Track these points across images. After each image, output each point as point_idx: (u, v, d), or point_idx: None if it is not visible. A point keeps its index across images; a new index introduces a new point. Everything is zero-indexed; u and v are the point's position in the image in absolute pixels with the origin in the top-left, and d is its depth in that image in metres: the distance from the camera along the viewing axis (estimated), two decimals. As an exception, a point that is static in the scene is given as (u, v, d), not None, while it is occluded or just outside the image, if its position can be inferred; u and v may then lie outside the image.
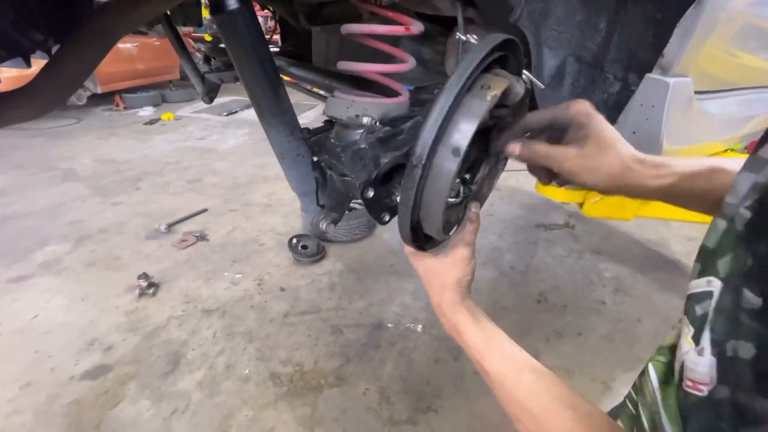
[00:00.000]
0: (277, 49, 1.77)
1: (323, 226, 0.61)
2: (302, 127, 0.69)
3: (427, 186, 0.48)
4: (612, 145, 0.49)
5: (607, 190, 0.51)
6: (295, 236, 2.62)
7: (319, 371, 1.78)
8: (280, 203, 3.33)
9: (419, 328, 2.05)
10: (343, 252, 2.66)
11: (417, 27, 0.57)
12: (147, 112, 6.58)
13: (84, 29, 0.71)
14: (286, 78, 1.47)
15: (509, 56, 0.52)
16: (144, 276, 2.23)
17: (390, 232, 2.81)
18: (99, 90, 6.33)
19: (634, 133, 0.62)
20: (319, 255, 2.53)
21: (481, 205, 0.60)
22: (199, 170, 4.07)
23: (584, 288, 2.44)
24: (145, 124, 5.91)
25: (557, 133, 0.54)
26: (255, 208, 3.26)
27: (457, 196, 0.55)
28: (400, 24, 0.58)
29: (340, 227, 2.65)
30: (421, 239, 0.58)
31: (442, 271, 0.58)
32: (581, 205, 1.00)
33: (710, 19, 0.55)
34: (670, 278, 2.56)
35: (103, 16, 0.67)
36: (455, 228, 0.59)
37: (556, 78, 0.67)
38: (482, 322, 0.56)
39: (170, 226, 2.89)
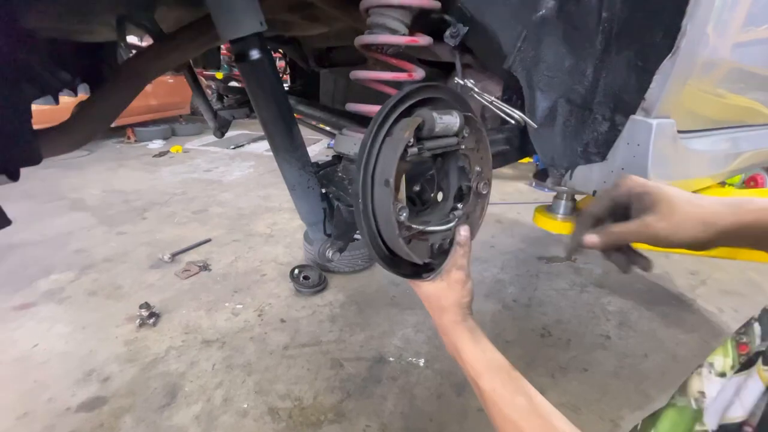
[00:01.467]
0: (287, 88, 1.87)
1: (329, 254, 0.64)
2: (312, 162, 0.74)
3: (377, 216, 0.55)
4: (681, 197, 0.49)
5: (708, 242, 0.49)
6: (296, 267, 2.63)
7: (318, 406, 1.74)
8: (282, 234, 3.36)
9: (421, 362, 2.01)
10: (344, 283, 2.66)
11: (419, 73, 0.62)
12: (157, 144, 6.78)
13: (118, 75, 0.77)
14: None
15: (439, 98, 0.60)
16: (145, 305, 2.23)
17: (392, 264, 2.81)
18: (112, 123, 6.55)
19: (623, 169, 0.66)
20: (320, 286, 2.53)
21: (474, 230, 0.64)
22: (204, 201, 4.14)
23: (588, 322, 2.42)
24: (155, 156, 6.07)
25: (621, 213, 0.54)
26: (258, 239, 3.29)
27: (448, 221, 0.60)
28: (404, 70, 0.63)
29: (343, 257, 2.67)
30: (411, 268, 0.62)
31: (441, 296, 0.61)
32: None
33: (686, 67, 0.60)
34: (675, 313, 2.53)
35: (136, 64, 0.73)
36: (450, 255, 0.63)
37: (549, 118, 0.72)
38: (482, 343, 0.57)
39: (174, 255, 2.91)
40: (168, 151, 6.29)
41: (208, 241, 3.21)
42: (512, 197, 4.34)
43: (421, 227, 0.59)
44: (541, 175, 0.82)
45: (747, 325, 0.46)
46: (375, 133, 0.53)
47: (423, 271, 0.63)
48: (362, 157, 0.52)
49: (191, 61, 1.23)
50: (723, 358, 0.43)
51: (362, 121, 0.64)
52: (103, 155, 6.14)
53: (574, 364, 2.06)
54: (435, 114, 0.55)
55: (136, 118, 7.03)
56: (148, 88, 7.18)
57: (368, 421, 1.68)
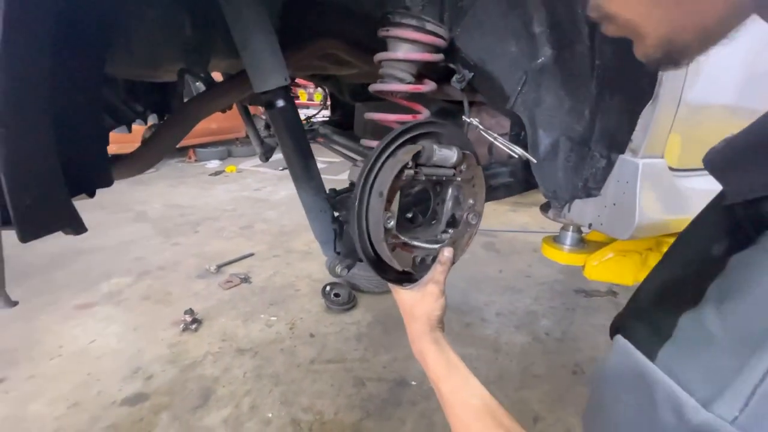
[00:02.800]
0: (327, 119, 2.03)
1: (338, 270, 0.72)
2: (330, 188, 0.84)
3: (369, 220, 0.63)
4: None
5: None
6: (328, 284, 2.74)
7: (338, 423, 1.79)
8: (318, 251, 3.45)
9: (443, 388, 2.00)
10: (373, 303, 2.72)
11: (424, 115, 0.70)
12: (214, 164, 7.36)
13: (180, 111, 0.93)
14: (331, 144, 1.68)
15: (438, 131, 0.68)
16: (189, 312, 2.42)
17: (421, 288, 2.84)
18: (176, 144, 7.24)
19: (614, 204, 0.68)
20: (350, 304, 2.61)
21: (458, 255, 0.70)
22: (251, 218, 4.42)
23: (627, 363, 2.27)
24: (211, 175, 6.60)
25: None
26: (296, 255, 3.46)
27: (437, 241, 0.67)
28: (414, 111, 0.73)
29: (372, 278, 2.74)
30: (394, 274, 0.69)
31: (414, 304, 0.67)
32: (583, 268, 1.03)
33: (668, 112, 0.63)
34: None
35: (194, 103, 0.88)
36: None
37: (551, 153, 0.76)
38: (446, 352, 0.62)
39: (219, 267, 3.13)
40: (223, 171, 6.81)
41: (251, 255, 3.42)
42: (551, 226, 4.22)
43: (406, 239, 0.66)
44: (545, 207, 0.86)
45: None
46: (379, 153, 0.62)
47: (404, 281, 0.70)
48: (364, 170, 0.61)
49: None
50: None
51: None
52: (167, 173, 6.76)
53: (608, 406, 1.94)
54: (435, 146, 0.64)
55: (197, 140, 7.69)
56: (210, 113, 7.76)
57: (385, 443, 1.70)
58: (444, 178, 0.67)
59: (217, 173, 6.67)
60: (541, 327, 2.58)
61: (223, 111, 1.27)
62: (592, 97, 0.70)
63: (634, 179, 0.65)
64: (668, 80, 0.60)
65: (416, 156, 0.62)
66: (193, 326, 2.39)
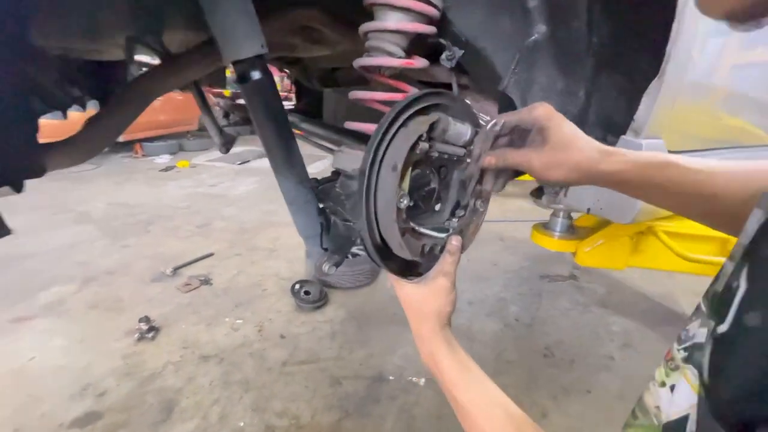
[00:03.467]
0: (292, 106, 1.92)
1: (326, 267, 0.65)
2: (311, 177, 0.76)
3: (378, 199, 0.56)
4: (572, 141, 0.53)
5: (571, 183, 0.55)
6: (298, 282, 2.63)
7: (315, 425, 1.71)
8: (285, 248, 3.37)
9: (422, 381, 1.98)
10: (345, 299, 2.65)
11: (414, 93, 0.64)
12: (164, 159, 6.89)
13: (126, 92, 0.80)
14: (298, 132, 1.58)
15: (447, 105, 0.61)
16: (145, 319, 2.23)
17: (393, 281, 2.80)
18: (120, 138, 6.69)
19: None
20: (321, 301, 2.52)
21: (466, 244, 0.65)
22: (208, 215, 4.17)
23: (591, 342, 2.38)
24: (161, 170, 6.16)
25: (521, 135, 0.58)
26: (260, 253, 3.30)
27: (443, 230, 0.61)
28: (401, 91, 0.66)
29: (345, 273, 2.66)
30: (402, 267, 0.62)
31: (422, 300, 0.60)
32: (574, 254, 1.03)
33: (673, 90, 0.62)
34: (677, 333, 2.49)
35: (143, 83, 0.76)
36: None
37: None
38: (459, 354, 0.57)
39: (176, 269, 2.92)
40: (174, 166, 6.38)
41: (210, 255, 3.22)
42: (515, 214, 4.33)
43: (414, 225, 0.60)
44: (537, 193, 0.84)
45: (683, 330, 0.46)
46: (392, 121, 0.54)
47: (408, 274, 0.63)
48: (375, 140, 0.53)
49: (198, 80, 1.27)
50: (659, 368, 0.43)
51: (361, 138, 0.66)
52: (111, 169, 6.23)
53: (577, 385, 2.02)
54: (450, 119, 0.58)
55: (144, 133, 7.16)
56: (156, 103, 7.35)
57: (366, 442, 1.65)
58: (454, 158, 0.61)
59: (167, 169, 6.24)
60: (511, 313, 2.63)
61: (183, 90, 1.13)
62: (587, 76, 0.68)
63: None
64: (675, 57, 0.58)
65: (430, 128, 0.56)
66: (150, 334, 2.20)
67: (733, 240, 0.43)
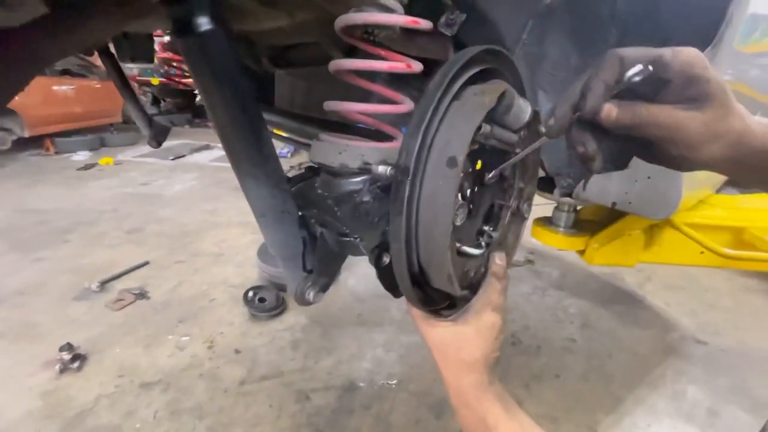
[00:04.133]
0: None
1: (310, 295, 0.50)
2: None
3: (423, 213, 0.39)
4: (736, 105, 0.38)
5: (717, 165, 0.40)
6: (251, 288, 2.39)
7: (284, 449, 1.55)
8: (233, 251, 3.08)
9: (394, 383, 1.88)
10: (305, 303, 2.47)
11: (417, 66, 0.50)
12: (82, 156, 6.07)
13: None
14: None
15: (502, 71, 0.46)
16: (67, 347, 1.89)
17: (355, 278, 2.67)
18: (26, 133, 5.78)
19: (649, 177, 0.59)
20: (278, 308, 2.31)
21: (510, 258, 0.51)
22: (140, 218, 3.71)
23: (553, 326, 2.43)
24: (79, 169, 5.42)
25: (643, 90, 0.39)
26: (204, 259, 2.99)
27: (478, 245, 0.46)
28: (398, 62, 0.51)
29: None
30: (432, 299, 0.47)
31: (464, 345, 0.46)
32: (582, 252, 0.97)
33: (727, 60, 0.55)
34: (630, 311, 2.64)
35: (28, 39, 0.53)
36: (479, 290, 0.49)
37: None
38: (518, 415, 0.45)
39: (104, 283, 2.53)
40: (96, 164, 5.65)
41: (145, 264, 2.85)
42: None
43: (458, 245, 0.44)
44: (545, 185, 0.73)
45: None
46: (445, 91, 0.38)
47: (435, 306, 0.48)
48: (424, 116, 0.37)
49: (116, 53, 1.01)
50: None
51: (329, 126, 0.50)
52: (16, 170, 5.37)
53: (547, 371, 2.04)
54: (515, 92, 0.43)
55: (55, 127, 6.26)
56: (71, 93, 6.48)
57: (341, 460, 1.52)
58: (502, 149, 0.46)
59: (87, 167, 5.51)
60: (476, 303, 2.62)
61: (89, 54, 0.87)
62: (607, 46, 0.58)
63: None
64: (736, 20, 0.50)
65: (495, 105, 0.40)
66: (75, 364, 1.87)
67: (750, 226, 0.35)
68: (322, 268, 0.54)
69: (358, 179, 0.51)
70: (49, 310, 2.30)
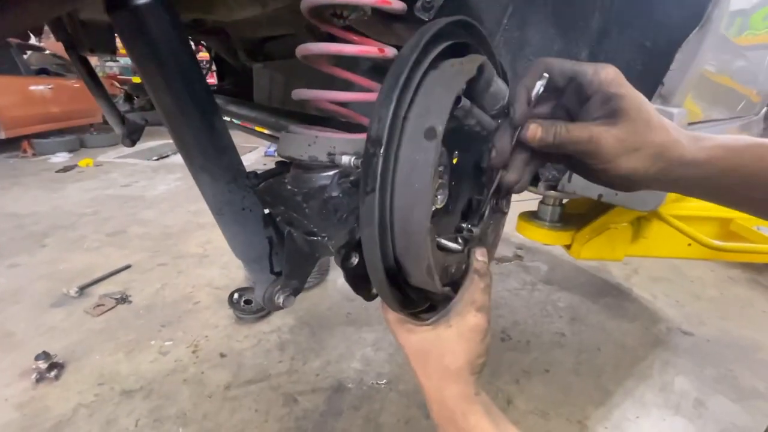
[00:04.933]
0: (214, 87, 1.62)
1: (280, 299, 0.46)
2: (249, 171, 0.55)
3: (398, 192, 0.35)
4: (654, 118, 0.39)
5: (641, 178, 0.40)
6: (236, 290, 2.34)
7: (271, 454, 1.51)
8: (217, 253, 3.02)
9: (384, 383, 1.86)
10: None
11: (390, 51, 0.47)
12: (61, 158, 5.90)
13: None
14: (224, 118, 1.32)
15: (476, 47, 0.43)
16: (43, 356, 1.81)
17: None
18: (2, 135, 5.60)
19: None
20: (265, 310, 2.26)
21: (491, 255, 0.48)
22: (121, 221, 3.61)
23: (543, 321, 2.43)
24: (58, 171, 5.26)
25: (574, 102, 0.41)
26: (188, 261, 2.92)
27: (457, 242, 0.43)
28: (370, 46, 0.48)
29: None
30: (410, 299, 0.43)
31: (446, 351, 0.42)
32: (568, 247, 0.95)
33: (716, 43, 0.53)
34: (617, 303, 2.65)
35: None
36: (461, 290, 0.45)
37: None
38: (508, 430, 0.41)
39: (83, 288, 2.45)
40: (75, 166, 5.49)
41: (126, 267, 2.77)
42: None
43: (438, 238, 0.41)
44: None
45: None
46: (420, 53, 0.34)
47: (412, 308, 0.43)
48: (396, 82, 0.33)
49: (75, 43, 0.94)
50: None
51: (306, 119, 0.46)
52: (-10, 173, 5.19)
53: (536, 366, 2.04)
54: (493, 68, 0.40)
55: (33, 128, 6.07)
56: (48, 93, 6.30)
57: (330, 463, 1.48)
58: (481, 133, 0.42)
59: (66, 169, 5.35)
60: (466, 299, 2.61)
61: (39, 36, 0.80)
62: (592, 34, 0.56)
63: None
64: (720, 4, 0.48)
65: (472, 79, 0.37)
66: (52, 373, 1.80)
67: (737, 216, 0.34)
68: (292, 269, 0.50)
69: (329, 173, 0.48)
70: (25, 318, 2.22)
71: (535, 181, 0.70)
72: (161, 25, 0.39)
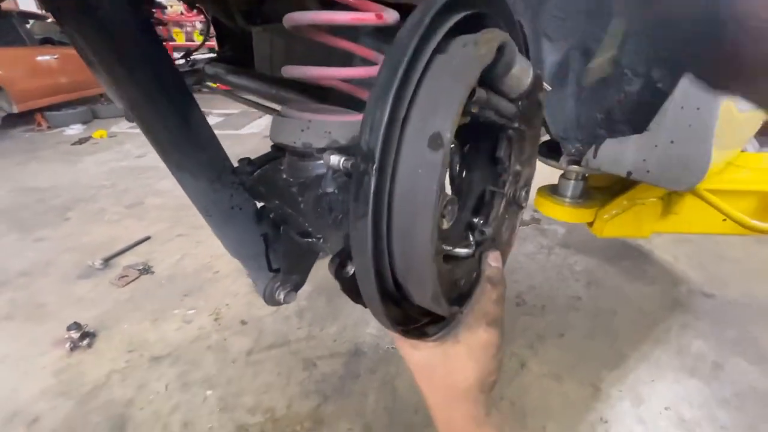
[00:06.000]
0: (213, 55, 1.55)
1: (281, 296, 0.44)
2: (243, 157, 0.51)
3: (398, 213, 0.30)
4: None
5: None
6: (253, 260, 2.38)
7: (293, 416, 1.58)
8: (234, 223, 3.05)
9: (399, 349, 1.90)
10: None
11: (391, 15, 0.41)
12: (75, 130, 5.94)
13: None
14: (223, 87, 1.26)
15: (495, 18, 0.36)
16: (75, 326, 1.91)
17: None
18: (15, 109, 5.64)
19: (672, 142, 0.50)
20: (282, 278, 2.31)
21: (505, 258, 0.44)
22: (138, 192, 3.67)
23: (559, 285, 2.41)
24: (74, 144, 5.32)
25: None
26: (206, 231, 2.93)
27: (466, 243, 0.39)
28: (368, 11, 0.42)
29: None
30: (411, 316, 0.39)
31: (454, 368, 0.39)
32: (590, 224, 0.89)
33: None
34: (636, 266, 2.60)
35: None
36: (468, 301, 0.41)
37: (558, 77, 0.54)
38: None
39: (107, 260, 2.54)
40: (90, 137, 5.54)
41: (146, 239, 2.84)
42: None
43: (444, 246, 0.36)
44: (550, 152, 0.63)
45: None
46: (422, 39, 0.28)
47: (416, 323, 0.39)
48: (391, 82, 0.27)
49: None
50: None
51: (310, 92, 0.42)
52: (9, 147, 5.29)
53: (551, 330, 2.04)
54: (515, 47, 0.33)
55: (44, 101, 6.09)
56: (54, 63, 6.23)
57: (350, 424, 1.55)
58: (498, 122, 0.36)
59: (81, 141, 5.40)
60: (480, 264, 2.60)
61: None
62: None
63: (710, 105, 0.46)
64: None
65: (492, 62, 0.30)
66: (85, 342, 1.90)
67: None
68: (291, 266, 0.47)
69: (322, 162, 0.43)
70: (55, 290, 2.32)
71: (556, 155, 0.64)
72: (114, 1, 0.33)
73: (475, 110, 0.32)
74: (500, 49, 0.31)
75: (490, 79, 0.32)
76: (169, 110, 0.40)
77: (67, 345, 1.88)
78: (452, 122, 0.28)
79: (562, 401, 1.63)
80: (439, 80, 0.29)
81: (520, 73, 0.34)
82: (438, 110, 0.28)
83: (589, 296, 2.31)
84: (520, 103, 0.36)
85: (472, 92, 0.29)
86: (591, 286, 2.40)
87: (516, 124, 0.37)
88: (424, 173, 0.28)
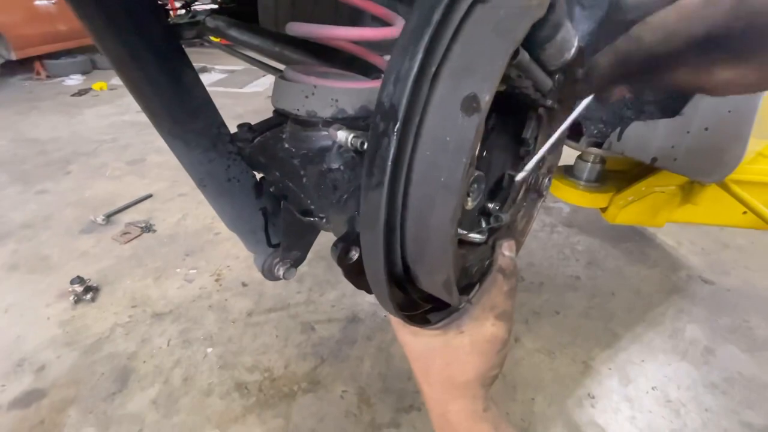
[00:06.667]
0: (215, 6, 1.46)
1: (280, 272, 0.42)
2: (242, 123, 0.47)
3: (417, 186, 0.26)
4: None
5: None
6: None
7: (290, 376, 1.63)
8: (236, 185, 3.02)
9: (396, 318, 1.93)
10: (309, 238, 2.46)
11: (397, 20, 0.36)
12: (75, 81, 5.79)
13: None
14: (225, 42, 1.20)
15: None
16: (78, 280, 1.94)
17: (359, 214, 2.62)
18: (13, 56, 5.47)
19: (706, 129, 0.46)
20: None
21: (518, 247, 0.41)
22: (140, 148, 3.62)
23: (558, 264, 2.41)
24: (74, 95, 5.20)
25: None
26: (208, 192, 2.94)
27: (479, 228, 0.36)
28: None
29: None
30: (415, 301, 0.37)
31: (454, 360, 0.37)
32: (604, 210, 0.86)
33: None
34: (638, 249, 2.59)
35: None
36: (475, 289, 0.39)
37: (589, 51, 0.49)
38: None
39: (109, 216, 2.54)
40: (90, 89, 5.41)
41: (148, 197, 2.83)
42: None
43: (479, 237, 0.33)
44: (570, 132, 0.60)
45: None
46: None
47: (418, 309, 0.37)
48: (425, 27, 0.23)
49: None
50: None
51: (317, 52, 0.38)
52: (8, 96, 5.18)
53: (547, 307, 2.06)
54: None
55: (43, 48, 5.89)
56: (53, 9, 5.98)
57: (345, 386, 1.60)
58: (532, 96, 0.31)
59: (81, 93, 5.28)
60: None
61: None
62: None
63: (755, 89, 0.43)
64: None
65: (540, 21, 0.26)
66: (88, 296, 1.94)
67: None
68: (291, 241, 0.45)
69: (326, 132, 0.39)
70: (58, 243, 2.34)
71: (576, 135, 0.59)
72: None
73: (514, 76, 0.27)
74: (552, 6, 0.26)
75: (532, 41, 0.27)
76: (156, 70, 0.36)
77: (71, 298, 1.91)
78: (493, 83, 0.24)
79: (553, 376, 1.67)
80: (480, 32, 0.24)
81: (563, 42, 0.29)
82: (477, 68, 0.24)
83: (588, 276, 2.31)
84: (557, 77, 0.32)
85: (515, 52, 0.25)
86: (591, 266, 2.40)
87: (549, 102, 0.33)
88: (453, 141, 0.24)
